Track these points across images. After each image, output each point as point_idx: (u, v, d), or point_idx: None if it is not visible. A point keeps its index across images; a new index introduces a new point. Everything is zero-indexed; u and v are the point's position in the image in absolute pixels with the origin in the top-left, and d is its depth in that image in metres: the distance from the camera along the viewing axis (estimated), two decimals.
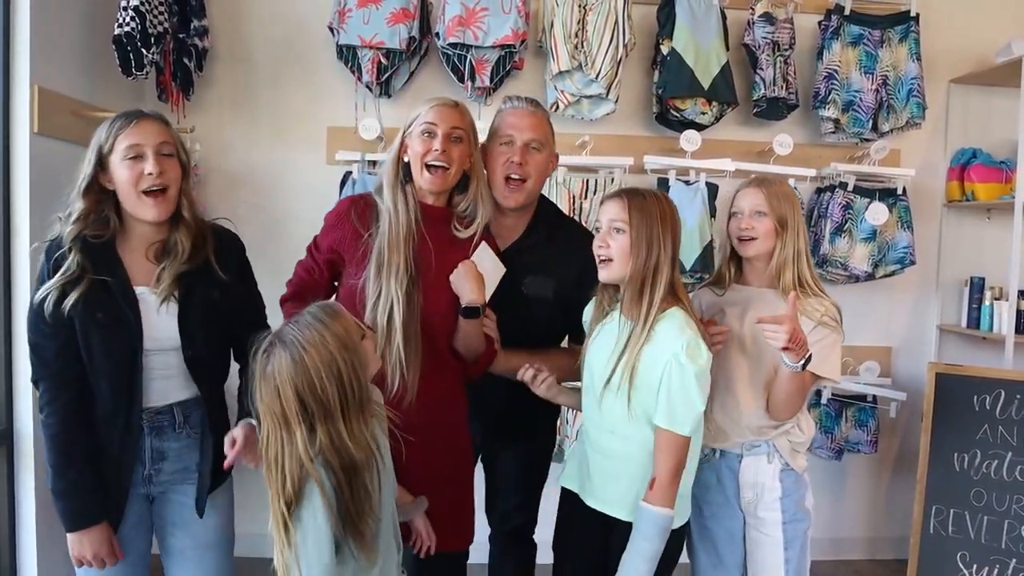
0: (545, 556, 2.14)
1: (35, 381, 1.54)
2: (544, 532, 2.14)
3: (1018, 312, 2.96)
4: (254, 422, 1.45)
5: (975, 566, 2.58)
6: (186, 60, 2.73)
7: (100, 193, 1.53)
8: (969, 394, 2.68)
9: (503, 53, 2.78)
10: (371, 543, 1.37)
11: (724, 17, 2.91)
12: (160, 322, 1.53)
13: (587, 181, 2.85)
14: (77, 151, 2.39)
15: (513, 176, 1.81)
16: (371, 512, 1.36)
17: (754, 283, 1.84)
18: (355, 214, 1.72)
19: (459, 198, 1.77)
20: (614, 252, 1.59)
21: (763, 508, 1.78)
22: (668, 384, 1.52)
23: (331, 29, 2.80)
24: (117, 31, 2.35)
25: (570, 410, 2.70)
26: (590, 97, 2.87)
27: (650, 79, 3.00)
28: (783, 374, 1.67)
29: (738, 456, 1.79)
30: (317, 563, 1.30)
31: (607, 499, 1.65)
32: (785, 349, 1.58)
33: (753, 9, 2.92)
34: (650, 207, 1.57)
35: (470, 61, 2.79)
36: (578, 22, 2.80)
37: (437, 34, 2.79)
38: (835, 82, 2.96)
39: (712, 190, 2.84)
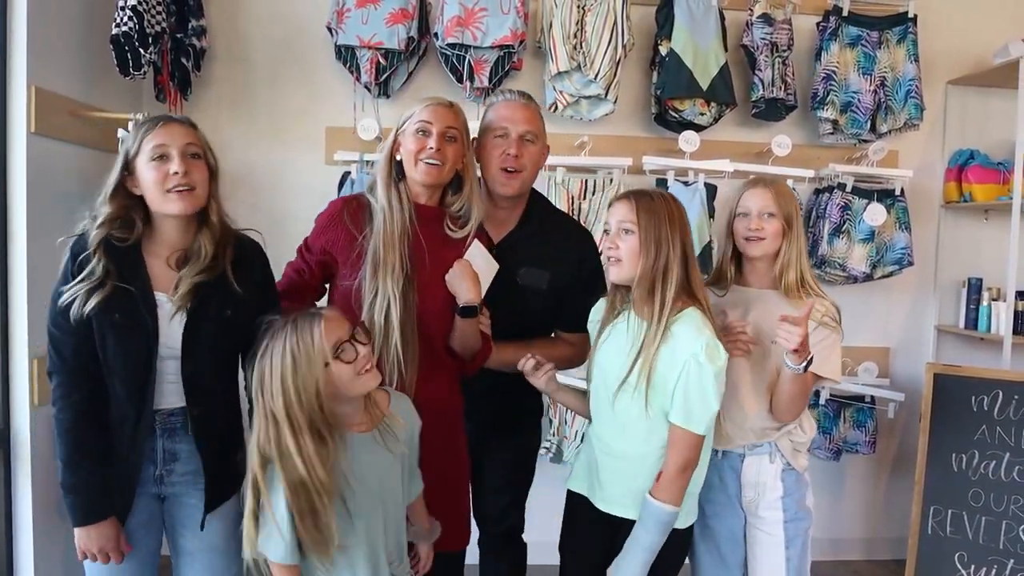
0: (536, 557, 2.15)
1: (50, 373, 1.54)
2: (535, 534, 2.15)
3: (1016, 313, 2.96)
4: None
5: (973, 566, 2.59)
6: (184, 60, 2.72)
7: (127, 198, 1.53)
8: (967, 395, 2.69)
9: (502, 53, 2.78)
10: (324, 551, 1.39)
11: (723, 18, 2.91)
12: (173, 330, 1.53)
13: (586, 181, 2.85)
14: (74, 151, 2.41)
15: (509, 168, 1.83)
16: (321, 530, 1.38)
17: (754, 284, 1.84)
18: (348, 215, 1.72)
19: (452, 198, 1.77)
20: (623, 253, 1.60)
21: (764, 507, 1.78)
22: (686, 383, 1.53)
23: (329, 29, 2.79)
24: (115, 31, 2.34)
25: (568, 410, 2.70)
26: (589, 98, 2.87)
27: (649, 80, 3.00)
28: (785, 376, 1.68)
29: (740, 456, 1.80)
30: (273, 553, 1.39)
31: (617, 501, 1.65)
32: (793, 351, 1.60)
33: (752, 10, 2.93)
34: (658, 208, 1.58)
35: (469, 61, 2.79)
36: (577, 23, 2.80)
37: (436, 34, 2.79)
38: (833, 83, 2.96)
39: (711, 191, 2.85)
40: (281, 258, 1.98)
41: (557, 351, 1.87)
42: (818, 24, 3.04)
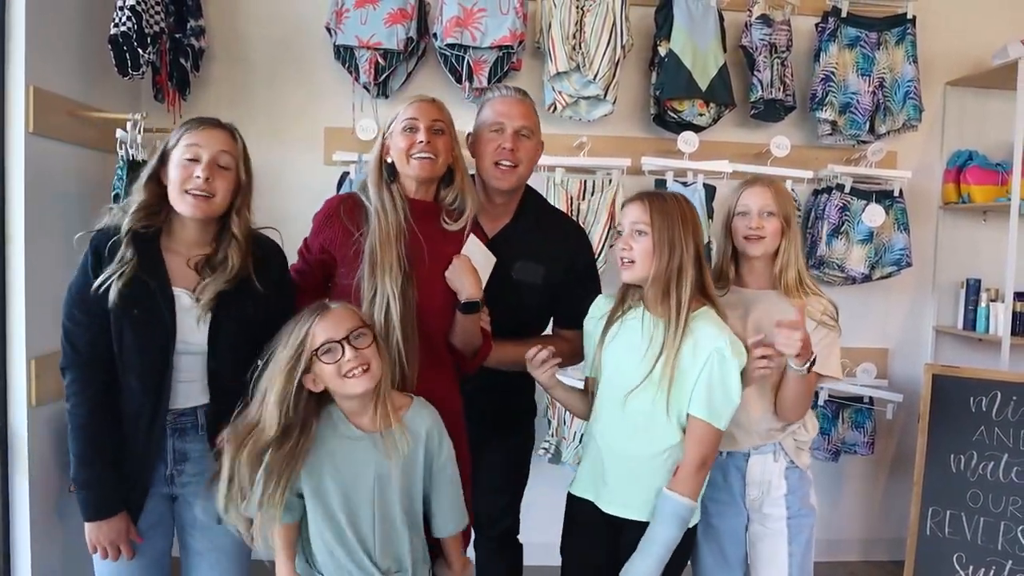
0: (534, 558, 2.15)
1: (64, 369, 1.54)
2: (534, 535, 2.15)
3: (1014, 314, 2.97)
4: None
5: (971, 567, 2.59)
6: (182, 60, 2.72)
7: (159, 187, 1.56)
8: (965, 396, 2.69)
9: (501, 54, 2.78)
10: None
11: (722, 19, 2.92)
12: (193, 328, 1.54)
13: (585, 182, 2.85)
14: (73, 151, 2.41)
15: (505, 163, 1.84)
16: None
17: (752, 284, 1.83)
18: (344, 213, 1.72)
19: (446, 191, 1.78)
20: (637, 254, 1.61)
21: (768, 505, 1.79)
22: (709, 376, 1.54)
23: (328, 29, 2.79)
24: (113, 31, 2.34)
25: (567, 411, 2.70)
26: (588, 98, 2.86)
27: (648, 80, 3.00)
28: (789, 376, 1.68)
29: (745, 456, 1.80)
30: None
31: (625, 502, 1.64)
32: (796, 355, 1.61)
33: (750, 11, 2.93)
34: (671, 209, 1.60)
35: (468, 62, 2.79)
36: (576, 23, 2.80)
37: (435, 35, 2.79)
38: (832, 84, 2.97)
39: (710, 191, 2.85)
40: None
41: (557, 348, 1.87)
42: (817, 25, 3.04)
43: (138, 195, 1.55)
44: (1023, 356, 3.01)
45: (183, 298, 1.54)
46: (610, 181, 2.83)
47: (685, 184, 2.85)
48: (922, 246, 3.16)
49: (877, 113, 3.00)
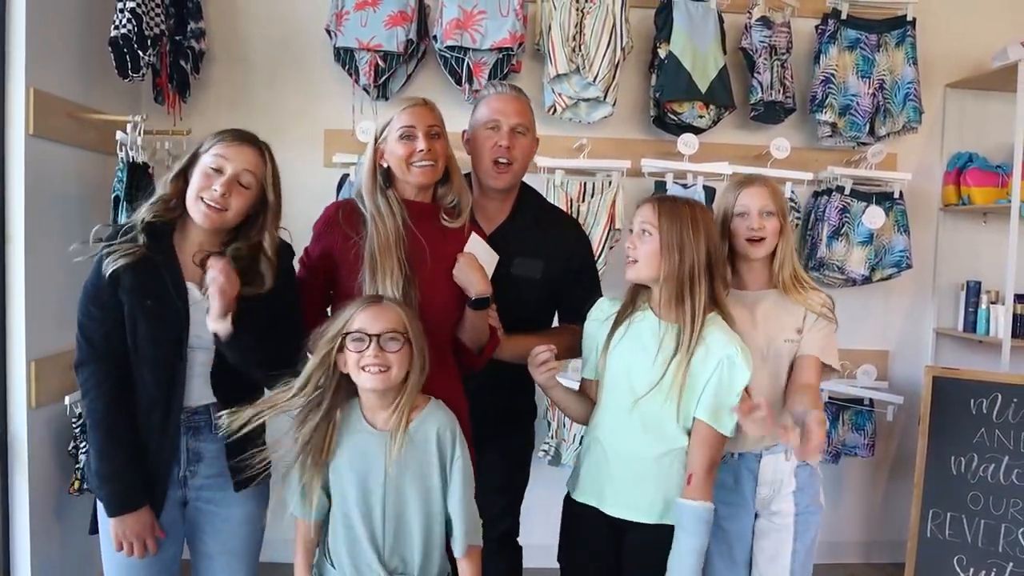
0: (533, 560, 2.15)
1: (79, 366, 1.54)
2: (534, 537, 2.15)
3: (1014, 315, 2.96)
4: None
5: (972, 570, 2.58)
6: (182, 62, 2.72)
7: (184, 185, 1.57)
8: (966, 398, 2.69)
9: (501, 56, 2.78)
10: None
11: (721, 21, 2.92)
12: (203, 321, 1.54)
13: (584, 184, 2.84)
14: (73, 153, 2.41)
15: (501, 160, 1.85)
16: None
17: (752, 286, 1.82)
18: (342, 218, 1.73)
19: (442, 190, 1.78)
20: (640, 254, 1.61)
21: (777, 502, 1.79)
22: (718, 382, 1.56)
23: (328, 32, 2.79)
24: (113, 33, 2.34)
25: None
26: (588, 100, 2.87)
27: (647, 82, 3.00)
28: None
29: (757, 456, 1.79)
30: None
31: (629, 504, 1.64)
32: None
33: (750, 13, 2.93)
34: (680, 213, 1.60)
35: (468, 64, 2.79)
36: (576, 25, 2.81)
37: (435, 37, 2.79)
38: (832, 86, 2.96)
39: (709, 193, 2.84)
40: None
41: (567, 339, 1.88)
42: (817, 27, 3.04)
43: (161, 189, 1.58)
44: (1023, 358, 3.01)
45: (195, 292, 1.56)
46: (610, 183, 2.82)
47: (685, 186, 2.85)
48: (922, 248, 3.15)
49: (877, 115, 3.00)
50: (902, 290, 3.20)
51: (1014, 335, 2.94)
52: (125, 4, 2.33)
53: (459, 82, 2.82)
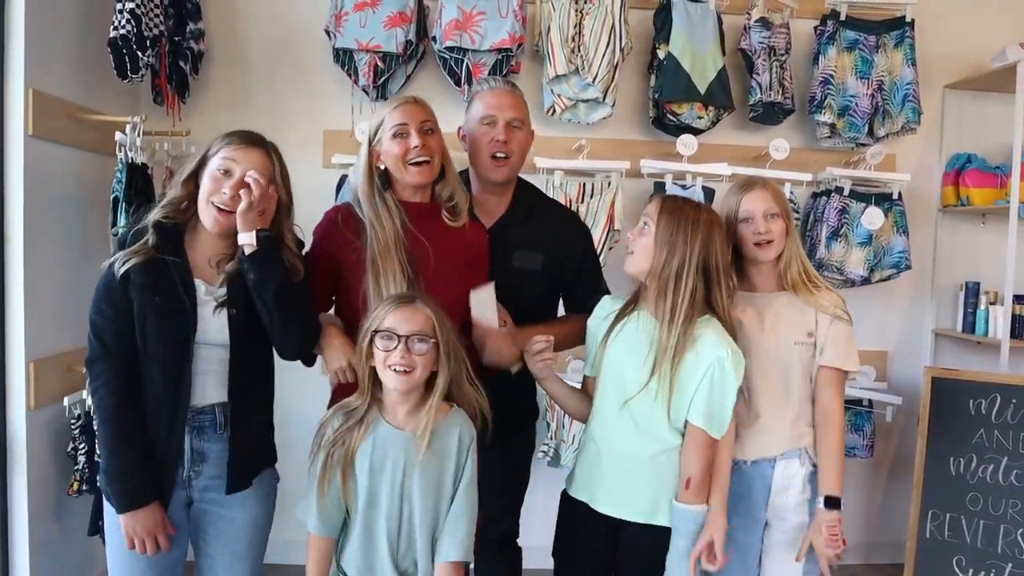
0: (532, 561, 2.15)
1: (89, 363, 1.55)
2: (533, 538, 2.15)
3: (1013, 316, 2.97)
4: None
5: (971, 570, 2.58)
6: (182, 63, 2.72)
7: (195, 187, 1.59)
8: (965, 398, 2.69)
9: (500, 57, 2.79)
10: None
11: (720, 22, 2.92)
12: (212, 318, 1.56)
13: (583, 185, 2.85)
14: (72, 154, 2.41)
15: (498, 154, 1.85)
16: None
17: (761, 288, 1.81)
18: (342, 220, 1.74)
19: (440, 188, 1.78)
20: (637, 246, 1.63)
21: (791, 511, 1.80)
22: (710, 386, 1.55)
23: (327, 32, 2.80)
24: (113, 34, 2.35)
25: (565, 414, 2.69)
26: (587, 101, 2.87)
27: (647, 83, 3.01)
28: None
29: (771, 463, 1.78)
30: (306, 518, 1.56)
31: (621, 502, 1.64)
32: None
33: (749, 14, 2.93)
34: (682, 211, 1.60)
35: (467, 65, 2.79)
36: (575, 26, 2.81)
37: (434, 38, 2.80)
38: (831, 87, 2.97)
39: (708, 194, 2.84)
40: None
41: (572, 327, 1.89)
42: (816, 28, 3.04)
43: (173, 191, 1.60)
44: (1022, 359, 3.01)
45: (202, 288, 1.57)
46: (609, 184, 2.83)
47: (684, 187, 2.85)
48: (921, 249, 3.16)
49: (876, 116, 3.00)
50: (901, 291, 3.20)
51: (1013, 336, 2.94)
52: (124, 5, 2.33)
53: (458, 83, 2.83)
